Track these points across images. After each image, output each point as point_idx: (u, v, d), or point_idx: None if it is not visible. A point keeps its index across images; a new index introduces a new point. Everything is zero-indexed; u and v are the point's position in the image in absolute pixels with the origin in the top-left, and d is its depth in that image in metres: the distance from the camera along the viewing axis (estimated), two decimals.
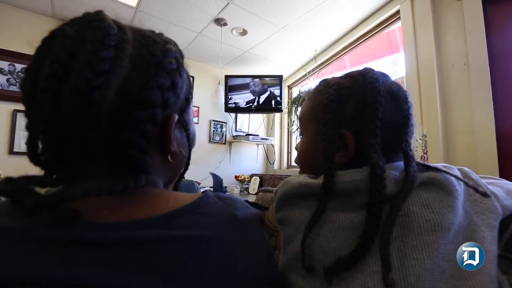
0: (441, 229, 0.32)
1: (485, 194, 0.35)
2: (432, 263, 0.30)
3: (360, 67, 0.45)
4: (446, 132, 1.43)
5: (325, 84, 0.45)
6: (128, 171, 0.28)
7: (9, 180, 0.27)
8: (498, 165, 1.20)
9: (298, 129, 0.49)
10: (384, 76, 0.43)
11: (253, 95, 2.70)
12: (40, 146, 0.29)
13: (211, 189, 2.27)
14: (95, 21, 0.29)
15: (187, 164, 0.42)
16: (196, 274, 0.26)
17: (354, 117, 0.40)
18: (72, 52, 0.27)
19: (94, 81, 0.26)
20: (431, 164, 0.40)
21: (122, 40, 0.29)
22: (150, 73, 0.30)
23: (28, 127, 0.29)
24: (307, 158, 0.47)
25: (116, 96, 0.27)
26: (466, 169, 0.40)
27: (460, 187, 0.36)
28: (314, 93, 0.47)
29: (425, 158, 1.44)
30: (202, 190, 0.40)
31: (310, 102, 0.47)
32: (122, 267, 0.24)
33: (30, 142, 0.29)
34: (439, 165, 0.40)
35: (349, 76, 0.45)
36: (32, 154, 0.29)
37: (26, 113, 0.29)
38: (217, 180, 2.22)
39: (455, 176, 0.36)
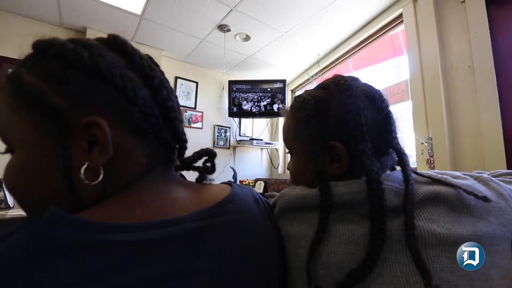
0: (445, 243, 0.31)
1: (485, 199, 0.33)
2: (437, 278, 0.29)
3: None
4: (452, 135, 1.41)
5: (301, 100, 0.44)
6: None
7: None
8: (506, 167, 1.18)
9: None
10: (355, 80, 0.43)
11: (257, 99, 2.72)
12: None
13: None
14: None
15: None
16: (248, 251, 0.34)
17: (338, 128, 0.39)
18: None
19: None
20: (437, 176, 0.38)
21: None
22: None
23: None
24: (301, 177, 0.45)
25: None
26: (485, 176, 0.39)
27: (475, 200, 0.34)
28: (292, 111, 0.45)
29: (431, 161, 1.43)
30: None
31: (290, 121, 0.46)
32: (202, 251, 0.29)
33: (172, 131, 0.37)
34: (448, 173, 0.39)
35: (322, 87, 0.44)
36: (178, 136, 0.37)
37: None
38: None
39: (451, 185, 0.35)
